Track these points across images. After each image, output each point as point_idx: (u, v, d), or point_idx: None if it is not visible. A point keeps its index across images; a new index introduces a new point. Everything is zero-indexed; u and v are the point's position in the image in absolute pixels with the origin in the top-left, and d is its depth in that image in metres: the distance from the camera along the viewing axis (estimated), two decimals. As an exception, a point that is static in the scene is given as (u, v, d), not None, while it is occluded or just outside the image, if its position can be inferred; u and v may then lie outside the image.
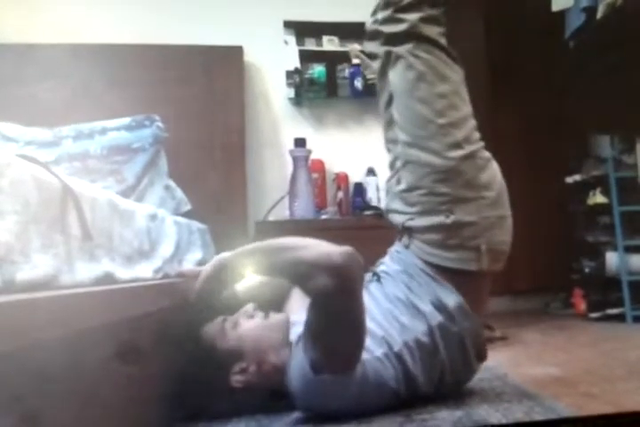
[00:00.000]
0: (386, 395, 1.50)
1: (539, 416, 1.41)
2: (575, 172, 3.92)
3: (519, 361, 2.25)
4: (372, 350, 1.49)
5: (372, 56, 1.83)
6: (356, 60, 1.97)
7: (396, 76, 1.70)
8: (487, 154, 1.67)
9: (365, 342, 1.46)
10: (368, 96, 3.36)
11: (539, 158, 3.76)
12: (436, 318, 1.55)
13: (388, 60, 1.72)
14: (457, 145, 1.61)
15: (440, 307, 1.57)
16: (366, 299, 1.57)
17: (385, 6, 1.69)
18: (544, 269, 3.97)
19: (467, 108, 1.68)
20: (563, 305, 4.03)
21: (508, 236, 1.66)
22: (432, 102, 1.64)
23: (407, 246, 1.69)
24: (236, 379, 1.54)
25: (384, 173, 3.25)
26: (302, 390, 1.45)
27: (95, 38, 3.09)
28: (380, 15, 1.70)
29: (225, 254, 1.50)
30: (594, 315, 3.47)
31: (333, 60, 3.41)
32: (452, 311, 1.56)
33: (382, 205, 3.13)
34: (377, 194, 3.24)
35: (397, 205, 1.72)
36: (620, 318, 3.35)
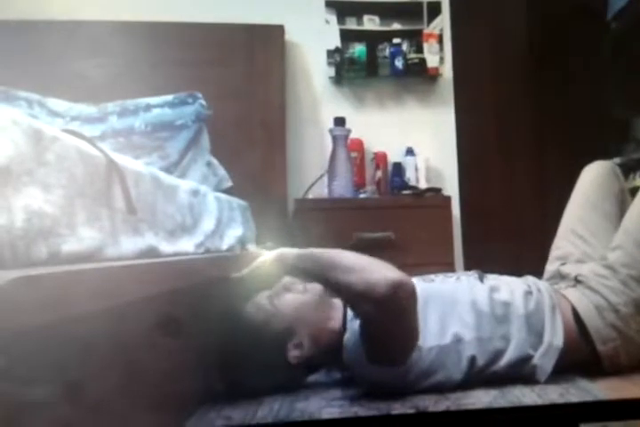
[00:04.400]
0: (445, 380, 1.52)
1: (574, 398, 1.41)
2: (615, 155, 3.87)
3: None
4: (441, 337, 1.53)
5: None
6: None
7: None
8: None
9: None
10: (408, 76, 3.36)
11: (579, 140, 3.71)
12: (520, 340, 1.57)
13: None
14: None
15: (532, 337, 1.58)
16: (454, 282, 1.67)
17: None
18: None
19: None
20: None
21: None
22: None
23: (574, 286, 1.72)
24: (294, 355, 1.57)
25: (422, 152, 3.27)
26: (358, 373, 1.53)
27: (140, 16, 3.10)
28: None
29: (286, 252, 1.54)
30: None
31: (374, 40, 3.39)
32: (543, 348, 1.57)
33: (421, 185, 3.13)
34: (415, 174, 3.22)
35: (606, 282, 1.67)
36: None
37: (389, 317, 1.38)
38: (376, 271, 1.38)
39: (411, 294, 1.39)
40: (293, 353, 1.57)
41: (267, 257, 1.58)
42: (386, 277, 1.35)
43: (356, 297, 1.42)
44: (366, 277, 1.37)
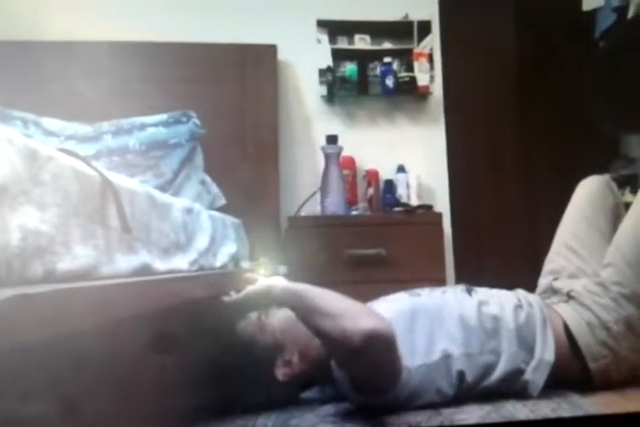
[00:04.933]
0: (436, 397, 1.52)
1: (566, 413, 1.41)
2: (605, 171, 3.89)
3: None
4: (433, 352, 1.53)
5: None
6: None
7: None
8: None
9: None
10: (399, 94, 3.39)
11: (568, 157, 3.73)
12: (511, 355, 1.58)
13: None
14: None
15: (523, 351, 1.59)
16: (442, 297, 1.67)
17: None
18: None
19: None
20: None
21: None
22: None
23: (566, 301, 1.73)
24: (282, 372, 1.57)
25: (414, 170, 3.28)
26: (348, 396, 1.52)
27: (134, 36, 3.12)
28: None
29: (275, 284, 1.54)
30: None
31: (365, 59, 3.42)
32: (534, 362, 1.58)
33: (412, 202, 3.14)
34: (407, 191, 3.23)
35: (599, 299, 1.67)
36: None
37: (364, 363, 1.38)
38: (353, 320, 1.34)
39: (387, 342, 1.35)
40: (283, 370, 1.58)
41: (255, 287, 1.58)
42: (361, 327, 1.31)
43: (330, 344, 1.42)
44: (343, 325, 1.34)
